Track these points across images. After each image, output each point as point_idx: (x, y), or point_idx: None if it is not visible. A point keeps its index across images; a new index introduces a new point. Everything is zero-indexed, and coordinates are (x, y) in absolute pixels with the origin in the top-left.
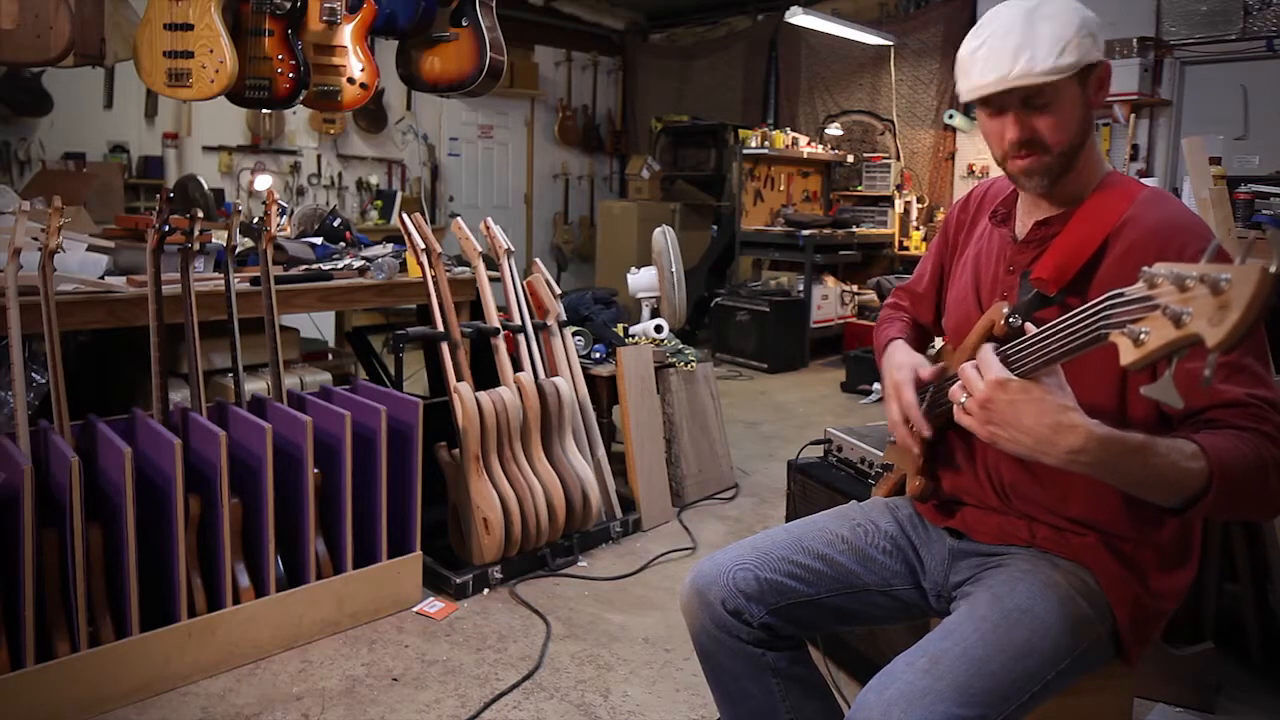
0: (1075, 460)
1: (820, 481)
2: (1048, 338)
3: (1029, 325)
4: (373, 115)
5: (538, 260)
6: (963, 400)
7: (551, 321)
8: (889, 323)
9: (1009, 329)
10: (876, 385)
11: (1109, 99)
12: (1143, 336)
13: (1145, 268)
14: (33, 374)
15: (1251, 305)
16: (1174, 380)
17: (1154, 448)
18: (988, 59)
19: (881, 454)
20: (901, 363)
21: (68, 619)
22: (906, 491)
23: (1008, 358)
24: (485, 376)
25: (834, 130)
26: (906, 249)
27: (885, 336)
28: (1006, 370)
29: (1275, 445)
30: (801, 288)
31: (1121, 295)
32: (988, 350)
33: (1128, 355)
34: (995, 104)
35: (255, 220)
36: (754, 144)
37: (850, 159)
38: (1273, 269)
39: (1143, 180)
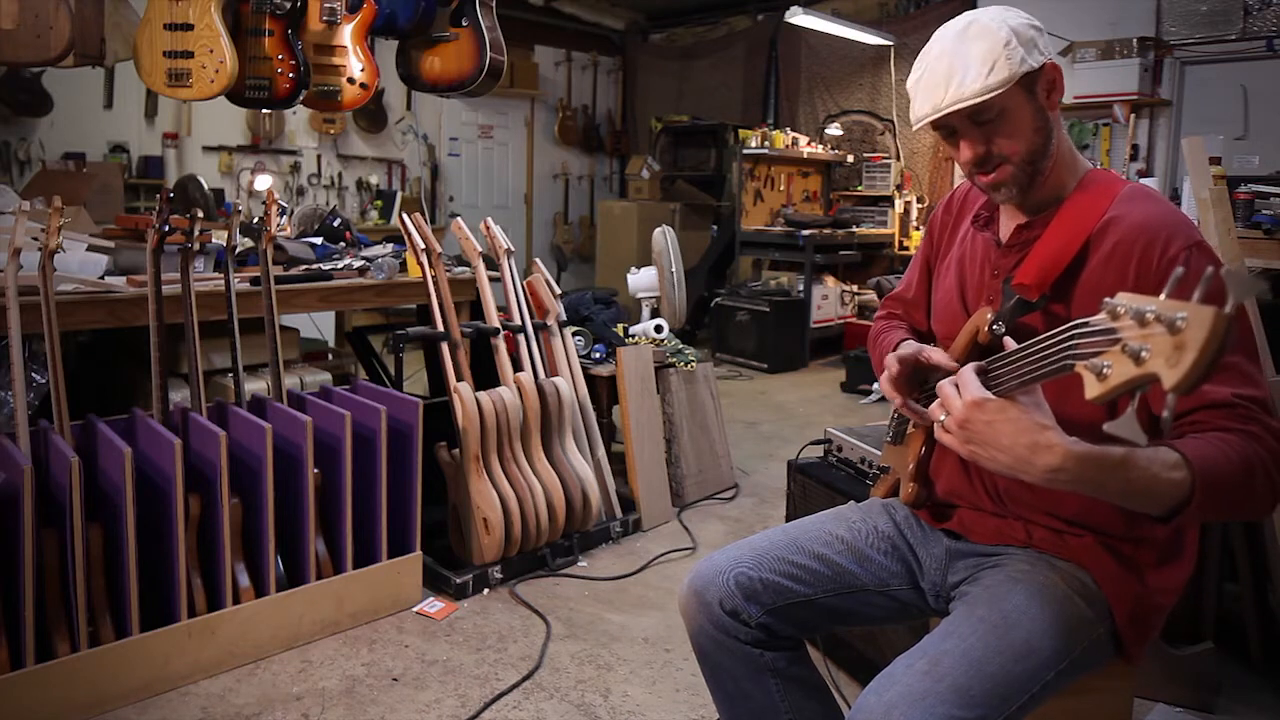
0: (1054, 479)
1: (820, 481)
2: (1022, 360)
3: (1008, 340)
4: (373, 115)
5: (538, 260)
6: (941, 419)
7: (551, 321)
8: (889, 330)
9: (993, 336)
10: (877, 385)
11: (1109, 99)
12: (1105, 371)
13: (1107, 299)
14: (33, 374)
15: (1206, 348)
16: (1136, 416)
17: (1134, 461)
18: (923, 91)
19: (881, 454)
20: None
21: (68, 619)
22: (900, 498)
23: (988, 374)
24: (485, 376)
25: (834, 130)
26: (906, 249)
27: (891, 340)
28: (984, 390)
29: (1262, 446)
30: (801, 288)
31: (1086, 325)
32: (968, 370)
33: (1092, 390)
34: (944, 128)
35: (255, 220)
36: (754, 144)
37: (850, 159)
38: (1227, 310)
39: (1142, 180)
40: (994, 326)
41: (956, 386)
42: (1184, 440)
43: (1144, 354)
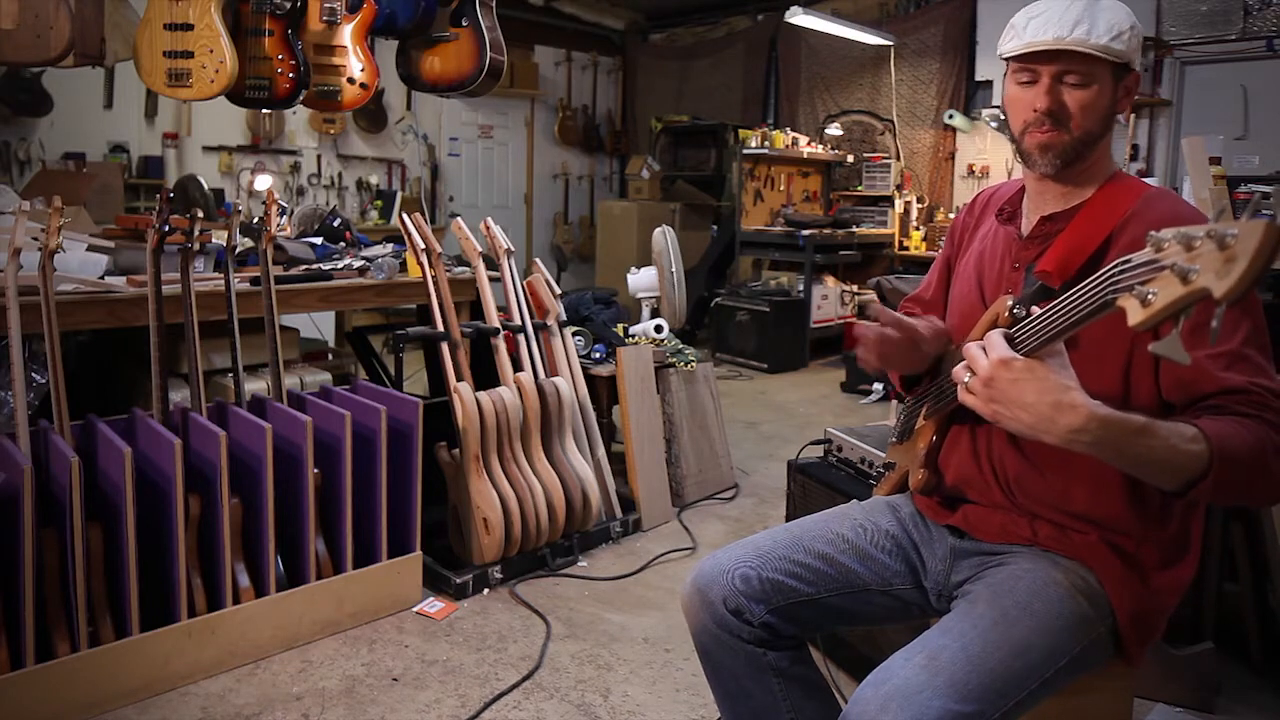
0: (1075, 440)
1: (820, 481)
2: (1054, 313)
3: (1034, 311)
4: (373, 115)
5: (538, 260)
6: (966, 380)
7: (551, 321)
8: None
9: (1013, 320)
10: (877, 385)
11: None
12: (1150, 297)
13: (1152, 232)
14: (33, 374)
15: (1258, 256)
16: (1180, 340)
17: (1154, 429)
18: (1046, 21)
19: (882, 454)
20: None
21: (68, 619)
22: (909, 485)
23: (1013, 340)
24: (485, 376)
25: (834, 130)
26: (906, 249)
27: None
28: (1011, 350)
29: (1277, 432)
30: (801, 288)
31: (1129, 261)
32: (995, 333)
33: (1135, 316)
34: (1031, 71)
35: (255, 220)
36: (754, 144)
37: (850, 159)
38: (1279, 222)
39: (1144, 180)
40: (1014, 309)
41: (983, 348)
42: (1203, 419)
43: (1192, 274)
